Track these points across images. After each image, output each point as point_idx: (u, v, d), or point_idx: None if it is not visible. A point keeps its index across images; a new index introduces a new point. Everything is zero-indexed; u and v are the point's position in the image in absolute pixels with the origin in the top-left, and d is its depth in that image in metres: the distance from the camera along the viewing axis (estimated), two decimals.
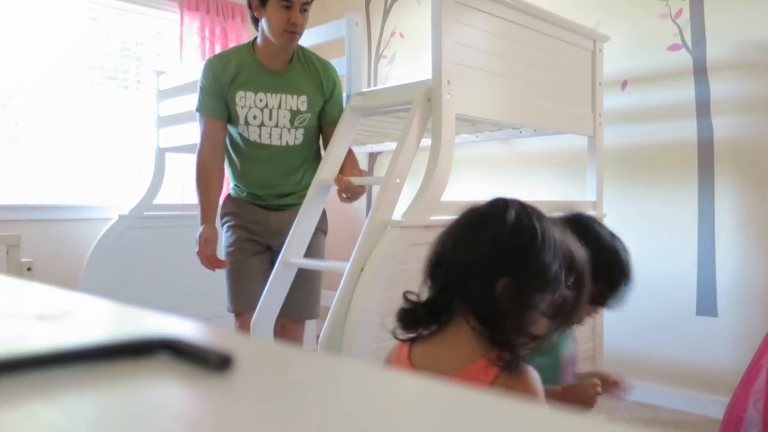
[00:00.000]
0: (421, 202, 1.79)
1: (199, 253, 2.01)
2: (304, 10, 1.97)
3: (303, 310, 2.11)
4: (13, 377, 0.33)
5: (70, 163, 3.39)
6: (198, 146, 2.08)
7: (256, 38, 2.08)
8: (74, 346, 0.36)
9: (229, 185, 2.24)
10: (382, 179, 1.80)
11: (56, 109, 3.33)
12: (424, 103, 1.85)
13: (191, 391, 0.32)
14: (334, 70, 2.16)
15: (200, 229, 2.03)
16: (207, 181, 2.06)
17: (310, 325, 3.50)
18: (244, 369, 0.35)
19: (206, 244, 2.00)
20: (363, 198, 3.70)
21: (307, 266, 2.04)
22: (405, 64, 3.84)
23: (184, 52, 3.63)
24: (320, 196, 2.04)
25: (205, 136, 2.07)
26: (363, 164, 4.00)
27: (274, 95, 2.04)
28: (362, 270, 1.66)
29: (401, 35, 3.86)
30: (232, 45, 3.73)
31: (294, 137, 2.09)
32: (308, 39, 2.33)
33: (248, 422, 0.27)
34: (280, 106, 2.04)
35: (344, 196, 1.91)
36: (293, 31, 1.96)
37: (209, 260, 2.01)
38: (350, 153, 2.10)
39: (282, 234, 2.09)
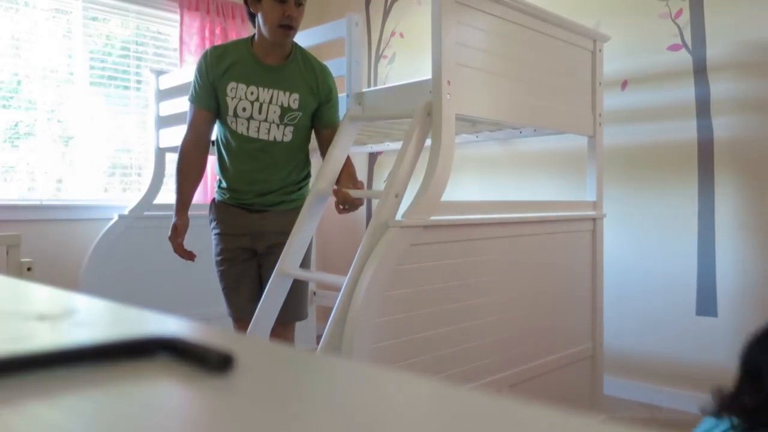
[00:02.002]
0: (421, 202, 1.78)
1: (171, 239, 2.12)
2: (299, 4, 1.97)
3: (291, 314, 2.12)
4: (13, 377, 0.33)
5: (70, 163, 3.39)
6: (184, 135, 2.14)
7: (255, 34, 2.08)
8: (74, 346, 0.36)
9: (211, 186, 2.26)
10: (380, 193, 1.79)
11: (56, 109, 3.33)
12: (423, 117, 1.84)
13: (191, 392, 0.32)
14: (331, 76, 2.14)
15: (174, 218, 2.13)
16: (186, 172, 2.14)
17: (310, 324, 3.51)
18: (244, 369, 0.35)
19: (178, 233, 2.12)
20: (363, 208, 3.70)
21: (304, 278, 2.04)
22: (405, 64, 3.84)
23: (184, 52, 3.63)
24: (318, 206, 2.03)
25: (191, 126, 2.11)
26: (363, 164, 4.00)
27: (266, 90, 2.03)
28: (362, 270, 1.66)
29: (401, 35, 3.86)
30: None
31: (283, 134, 2.08)
32: (308, 39, 2.33)
33: (248, 423, 0.27)
34: (271, 101, 2.04)
35: (341, 207, 1.91)
36: (288, 25, 1.96)
37: (178, 248, 2.12)
38: (348, 163, 2.10)
39: (265, 236, 2.10)
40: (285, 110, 2.05)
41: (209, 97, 2.06)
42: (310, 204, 2.00)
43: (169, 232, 2.13)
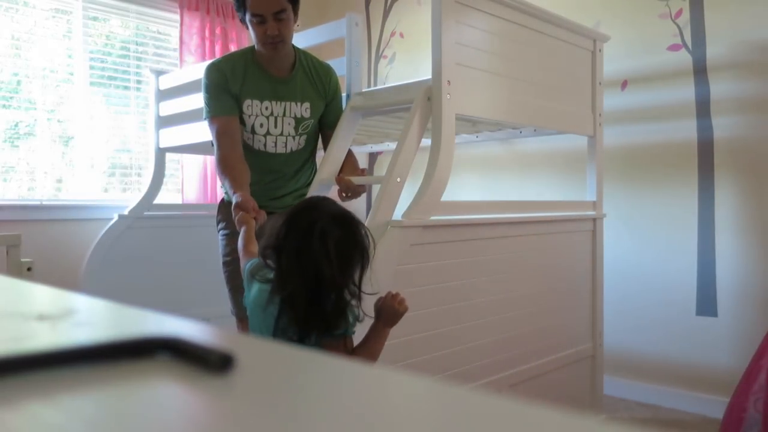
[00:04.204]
0: (421, 202, 1.79)
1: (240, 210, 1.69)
2: (279, 19, 1.93)
3: None
4: (13, 377, 0.33)
5: (70, 163, 3.39)
6: (216, 149, 1.98)
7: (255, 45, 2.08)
8: (74, 346, 0.36)
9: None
10: (382, 178, 1.80)
11: (56, 109, 3.33)
12: (424, 101, 1.85)
13: (191, 392, 0.32)
14: (335, 74, 2.16)
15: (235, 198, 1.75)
16: (234, 167, 1.90)
17: None
18: (244, 369, 0.35)
19: (247, 202, 1.71)
20: (363, 198, 3.70)
21: None
22: (405, 64, 3.84)
23: (184, 52, 3.63)
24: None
25: (222, 135, 1.98)
26: (363, 164, 4.00)
27: (278, 103, 2.04)
28: None
29: (401, 35, 3.86)
30: (232, 45, 3.73)
31: (297, 143, 2.11)
32: (308, 39, 2.33)
33: (249, 423, 0.27)
34: (284, 114, 2.05)
35: (344, 195, 1.92)
36: (272, 42, 1.95)
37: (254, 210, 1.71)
38: (350, 153, 2.12)
39: None
40: (299, 121, 2.07)
41: (234, 103, 2.01)
42: (314, 193, 2.01)
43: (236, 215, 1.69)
